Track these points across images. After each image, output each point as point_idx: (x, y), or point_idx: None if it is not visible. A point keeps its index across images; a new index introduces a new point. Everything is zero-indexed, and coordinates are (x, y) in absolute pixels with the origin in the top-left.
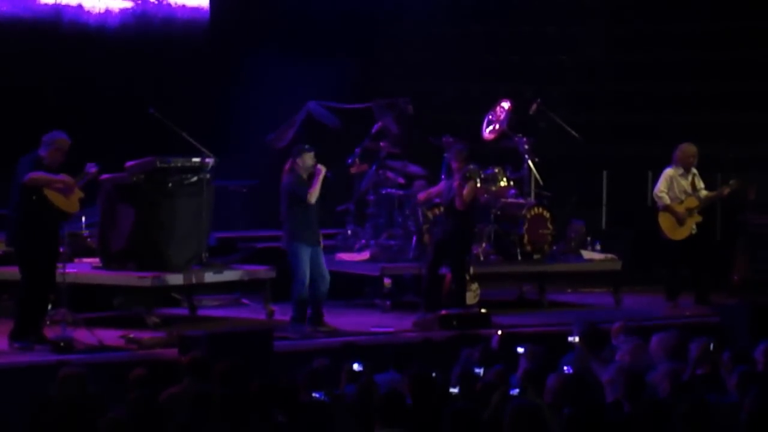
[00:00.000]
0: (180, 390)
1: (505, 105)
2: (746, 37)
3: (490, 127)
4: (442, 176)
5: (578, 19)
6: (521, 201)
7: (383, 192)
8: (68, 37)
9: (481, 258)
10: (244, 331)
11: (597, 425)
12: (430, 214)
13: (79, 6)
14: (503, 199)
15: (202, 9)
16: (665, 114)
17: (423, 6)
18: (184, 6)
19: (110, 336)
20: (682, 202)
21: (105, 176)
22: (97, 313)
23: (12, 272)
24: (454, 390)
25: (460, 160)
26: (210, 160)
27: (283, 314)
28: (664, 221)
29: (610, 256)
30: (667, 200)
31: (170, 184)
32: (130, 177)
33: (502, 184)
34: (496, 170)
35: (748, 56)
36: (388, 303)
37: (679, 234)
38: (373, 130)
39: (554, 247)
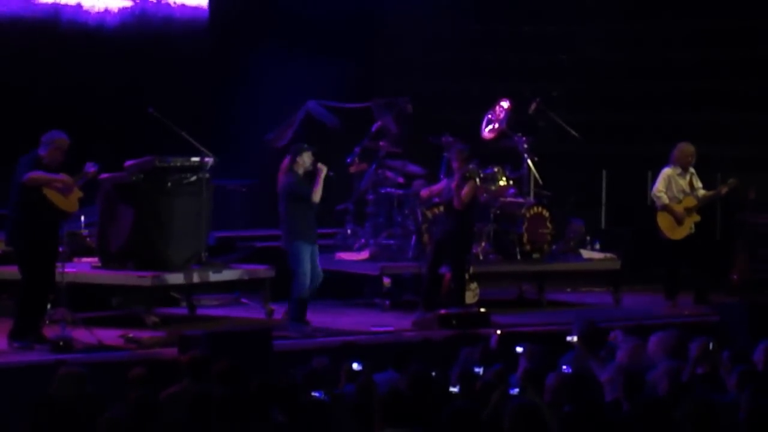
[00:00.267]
0: (179, 390)
1: (505, 104)
2: (746, 37)
3: (490, 127)
4: (441, 175)
5: (578, 19)
6: (520, 200)
7: (382, 191)
8: (67, 36)
9: (481, 257)
10: (244, 331)
11: (596, 424)
12: (429, 214)
13: (78, 5)
14: (503, 199)
15: (202, 8)
16: (665, 113)
17: (423, 5)
18: (183, 5)
19: (109, 335)
20: (680, 201)
21: (104, 176)
22: (96, 312)
23: (11, 272)
24: (454, 389)
25: (460, 160)
26: (209, 160)
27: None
28: (663, 221)
29: (609, 255)
30: (665, 200)
31: (169, 184)
32: (130, 176)
33: (502, 183)
34: (496, 169)
35: (748, 56)
36: (387, 302)
37: (678, 233)
38: (373, 130)
39: (553, 247)
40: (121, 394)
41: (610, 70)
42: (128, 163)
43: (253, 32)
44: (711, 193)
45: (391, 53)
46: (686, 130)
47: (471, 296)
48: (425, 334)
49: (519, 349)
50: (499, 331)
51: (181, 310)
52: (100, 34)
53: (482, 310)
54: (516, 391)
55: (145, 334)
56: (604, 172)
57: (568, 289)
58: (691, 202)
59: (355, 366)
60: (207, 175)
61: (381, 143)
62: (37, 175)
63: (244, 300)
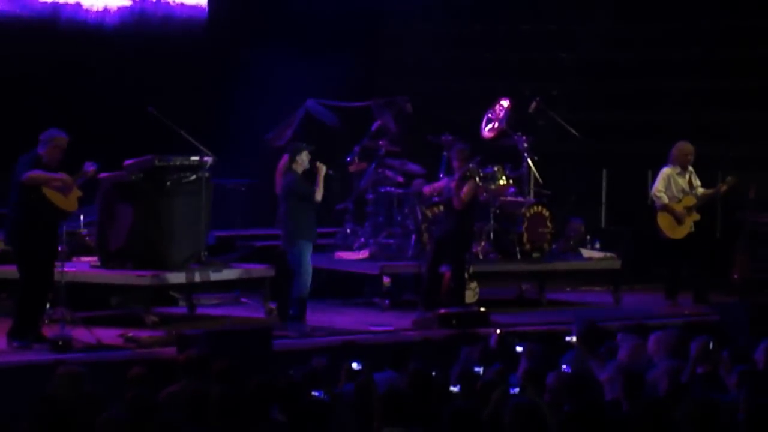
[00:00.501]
0: (178, 389)
1: (505, 103)
2: (747, 35)
3: (490, 126)
4: (441, 174)
5: (578, 17)
6: (520, 199)
7: (382, 190)
8: (66, 35)
9: (481, 256)
10: (243, 330)
11: (596, 424)
12: (429, 213)
13: (78, 4)
14: (502, 198)
15: (201, 7)
16: (665, 112)
17: (422, 4)
18: (182, 4)
19: (109, 335)
20: (680, 200)
21: (103, 175)
22: (95, 311)
23: (10, 271)
24: (455, 389)
25: (461, 159)
26: (209, 159)
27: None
28: (663, 220)
29: (609, 254)
30: (665, 199)
31: (169, 183)
32: (129, 175)
33: (502, 182)
34: (496, 169)
35: (748, 54)
36: (387, 302)
37: (679, 233)
38: (372, 129)
39: (553, 246)
40: (121, 393)
41: (610, 69)
42: (127, 162)
43: (252, 31)
44: (710, 191)
45: (391, 52)
46: (686, 129)
47: (471, 295)
48: (425, 334)
49: (519, 349)
50: (498, 331)
51: (181, 310)
52: (100, 33)
53: (482, 309)
54: (516, 390)
55: (144, 334)
56: (604, 171)
57: (568, 289)
58: (690, 201)
59: (355, 365)
60: (206, 174)
61: (381, 142)
62: (37, 174)
63: (243, 299)
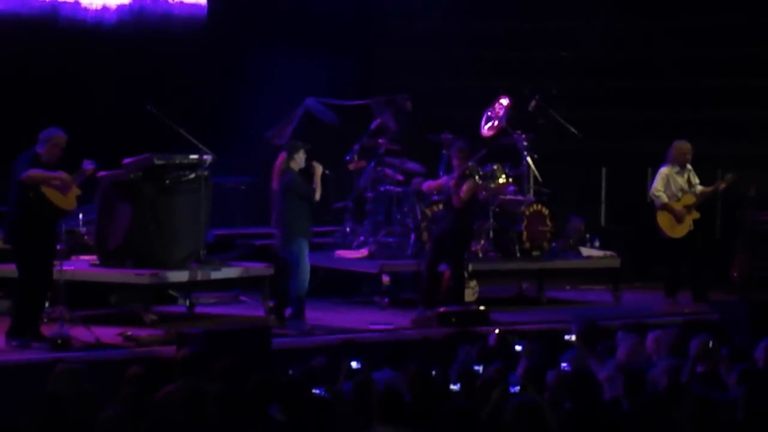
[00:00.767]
0: (176, 387)
1: (504, 101)
2: (746, 33)
3: (489, 124)
4: (440, 173)
5: (578, 16)
6: (520, 198)
7: (382, 189)
8: (65, 33)
9: (480, 255)
10: (242, 329)
11: (596, 422)
12: (428, 211)
13: (77, 2)
14: (502, 196)
15: (200, 5)
16: (664, 111)
17: (422, 2)
18: (181, 3)
19: (107, 333)
20: (679, 199)
21: (102, 173)
22: (94, 310)
23: (9, 270)
24: (455, 387)
25: (461, 158)
26: (208, 157)
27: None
28: (663, 220)
29: (609, 253)
30: (664, 199)
31: (168, 181)
32: (128, 174)
33: (501, 180)
34: (495, 167)
35: (748, 52)
36: (386, 300)
37: (678, 231)
38: (372, 127)
39: (553, 244)
40: (119, 392)
41: (609, 67)
42: (127, 160)
43: (251, 29)
44: (709, 189)
45: (391, 50)
46: (686, 128)
47: (470, 294)
48: (424, 332)
49: (518, 347)
50: (497, 330)
51: (180, 308)
52: (99, 31)
53: (482, 307)
54: (516, 389)
55: (143, 332)
56: (603, 170)
57: (568, 287)
58: (689, 199)
59: (354, 364)
60: (206, 173)
61: (380, 141)
62: (36, 172)
63: (242, 298)
